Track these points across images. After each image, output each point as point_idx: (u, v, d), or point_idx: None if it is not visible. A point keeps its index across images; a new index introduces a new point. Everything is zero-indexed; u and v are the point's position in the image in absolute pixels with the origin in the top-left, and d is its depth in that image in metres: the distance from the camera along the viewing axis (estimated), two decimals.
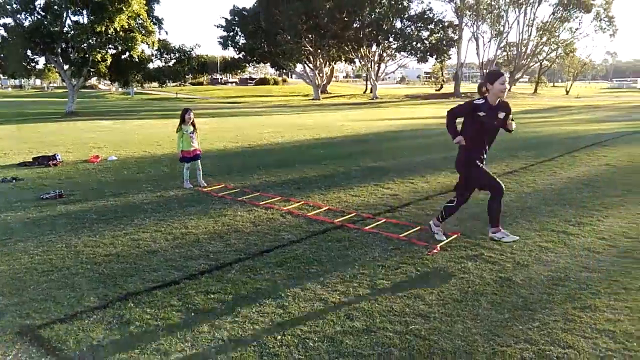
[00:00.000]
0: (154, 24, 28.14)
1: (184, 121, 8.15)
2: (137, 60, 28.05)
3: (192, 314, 3.70)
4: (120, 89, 63.50)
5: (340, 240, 5.42)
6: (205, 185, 8.26)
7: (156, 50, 29.17)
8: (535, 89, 66.80)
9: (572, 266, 4.62)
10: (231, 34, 53.15)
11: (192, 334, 3.41)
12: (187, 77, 48.12)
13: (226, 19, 52.85)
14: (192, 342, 3.31)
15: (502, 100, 4.92)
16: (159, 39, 28.82)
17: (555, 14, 55.62)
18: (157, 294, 4.04)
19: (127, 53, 27.36)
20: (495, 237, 5.09)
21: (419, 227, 5.82)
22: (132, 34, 25.75)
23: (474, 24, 56.26)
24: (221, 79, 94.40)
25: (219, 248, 5.17)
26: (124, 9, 24.03)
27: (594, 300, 3.89)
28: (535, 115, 27.44)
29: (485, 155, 5.14)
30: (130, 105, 42.03)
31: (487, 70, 60.19)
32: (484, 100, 4.86)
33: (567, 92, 65.58)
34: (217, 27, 53.00)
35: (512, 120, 5.03)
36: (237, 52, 55.21)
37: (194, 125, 8.32)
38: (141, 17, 26.04)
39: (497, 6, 55.53)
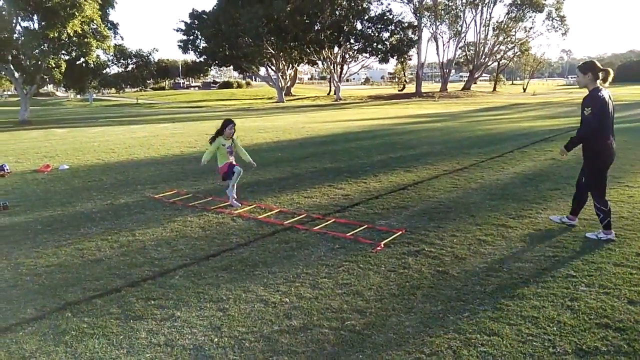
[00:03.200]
0: (109, 29, 27.63)
1: (222, 134, 7.13)
2: (92, 66, 27.46)
3: (131, 320, 3.70)
4: (78, 96, 61.94)
5: (287, 241, 5.49)
6: (241, 206, 7.13)
7: (112, 55, 28.63)
8: (495, 87, 68.55)
9: (507, 257, 4.82)
10: (191, 37, 52.52)
11: (128, 341, 3.41)
12: (147, 82, 47.45)
13: (185, 23, 52.22)
14: (127, 348, 3.32)
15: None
16: (115, 44, 28.29)
17: (510, 14, 57.39)
18: (97, 303, 4.02)
19: (82, 59, 26.75)
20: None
21: (366, 226, 5.94)
22: (86, 39, 25.20)
23: (432, 24, 57.42)
24: (184, 83, 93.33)
25: (165, 254, 5.16)
26: (77, 14, 23.47)
27: (523, 289, 4.09)
28: (492, 112, 28.20)
29: None
30: (88, 112, 41.04)
31: (448, 70, 61.52)
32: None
33: (524, 90, 67.55)
34: (177, 31, 52.33)
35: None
36: (198, 56, 54.67)
37: (233, 140, 7.30)
38: (95, 22, 25.50)
39: (454, 7, 56.85)
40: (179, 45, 52.54)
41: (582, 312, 3.66)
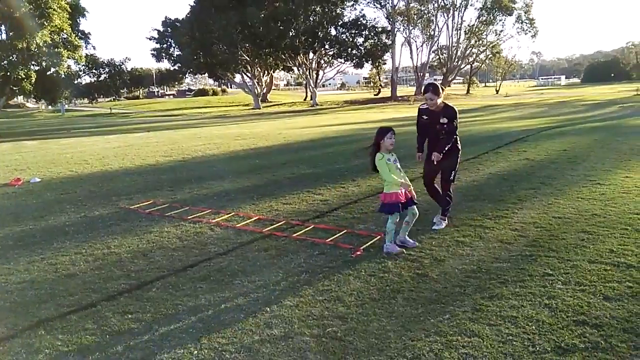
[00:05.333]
0: (80, 38, 27.22)
1: (379, 146, 5.26)
2: (64, 76, 26.95)
3: (107, 336, 3.61)
4: (50, 107, 60.69)
5: (266, 249, 5.45)
6: (417, 244, 5.32)
7: (84, 65, 28.17)
8: (468, 90, 69.69)
9: (485, 258, 4.87)
10: (165, 45, 52.14)
11: (105, 357, 3.32)
12: (121, 91, 46.84)
13: (159, 31, 51.81)
14: None
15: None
16: (86, 54, 27.86)
17: (481, 18, 58.43)
18: (72, 319, 3.91)
19: (53, 69, 26.23)
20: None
21: (345, 231, 5.93)
22: (57, 49, 24.71)
23: (405, 29, 58.08)
24: (158, 91, 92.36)
25: (142, 266, 5.06)
26: (46, 23, 23.01)
27: (502, 289, 4.13)
28: (465, 114, 28.57)
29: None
30: (61, 123, 40.14)
31: (422, 74, 62.31)
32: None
33: (497, 92, 68.83)
34: (150, 39, 51.81)
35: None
36: (172, 64, 54.25)
37: None
38: (65, 31, 25.04)
39: (426, 11, 57.61)
40: (152, 54, 52.02)
41: (559, 310, 3.71)
